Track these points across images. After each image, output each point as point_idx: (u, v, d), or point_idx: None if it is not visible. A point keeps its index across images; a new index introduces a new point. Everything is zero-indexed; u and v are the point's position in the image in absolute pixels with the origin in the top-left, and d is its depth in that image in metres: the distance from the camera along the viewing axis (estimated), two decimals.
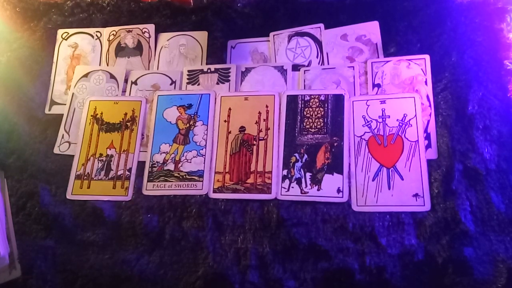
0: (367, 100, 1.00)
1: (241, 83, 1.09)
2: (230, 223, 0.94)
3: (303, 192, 0.95)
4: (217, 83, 1.09)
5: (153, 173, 1.01)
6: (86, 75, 1.14)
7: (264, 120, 1.02)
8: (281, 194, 0.95)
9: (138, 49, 1.16)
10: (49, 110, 1.12)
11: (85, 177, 1.02)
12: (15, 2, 1.20)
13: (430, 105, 0.98)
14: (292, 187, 0.95)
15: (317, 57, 1.10)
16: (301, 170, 0.96)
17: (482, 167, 0.91)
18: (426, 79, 1.01)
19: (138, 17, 1.18)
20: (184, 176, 1.00)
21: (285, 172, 0.97)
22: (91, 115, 1.08)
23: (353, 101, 1.01)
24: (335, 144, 0.97)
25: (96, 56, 1.17)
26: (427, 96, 0.99)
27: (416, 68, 1.02)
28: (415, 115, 0.97)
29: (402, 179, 0.93)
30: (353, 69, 1.05)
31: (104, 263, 0.94)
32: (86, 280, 0.93)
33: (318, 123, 1.00)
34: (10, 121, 1.08)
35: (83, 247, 0.95)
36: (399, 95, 1.00)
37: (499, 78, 0.98)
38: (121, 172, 1.02)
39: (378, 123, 0.98)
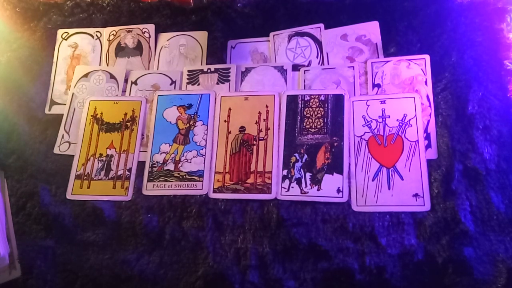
0: (367, 100, 1.00)
1: (241, 83, 1.09)
2: (230, 223, 0.94)
3: (303, 192, 0.95)
4: (217, 83, 1.09)
5: (153, 173, 1.01)
6: (86, 75, 1.14)
7: (264, 120, 1.02)
8: (281, 194, 0.95)
9: (138, 49, 1.16)
10: (49, 110, 1.12)
11: (85, 177, 1.02)
12: (15, 2, 1.20)
13: (430, 105, 0.98)
14: (292, 187, 0.95)
15: (317, 57, 1.10)
16: (301, 170, 0.96)
17: (482, 167, 0.91)
18: (426, 79, 1.01)
19: (138, 17, 1.18)
20: (184, 176, 1.00)
21: (285, 172, 0.97)
22: (91, 115, 1.08)
23: (353, 101, 1.01)
24: (335, 144, 0.97)
25: (96, 56, 1.17)
26: (427, 96, 0.99)
27: (416, 68, 1.02)
28: (415, 115, 0.97)
29: (402, 179, 0.93)
30: (353, 69, 1.05)
31: (104, 263, 0.94)
32: (86, 280, 0.94)
33: (318, 123, 1.00)
34: (10, 121, 1.08)
35: (83, 247, 0.95)
36: (399, 95, 1.00)
37: (499, 78, 0.98)
38: (121, 172, 1.02)
39: (378, 123, 0.98)
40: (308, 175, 0.96)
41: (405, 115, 0.97)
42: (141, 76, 1.13)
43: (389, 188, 0.93)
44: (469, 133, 0.94)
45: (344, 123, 0.99)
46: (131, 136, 1.05)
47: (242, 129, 1.02)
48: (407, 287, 0.87)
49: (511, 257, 0.85)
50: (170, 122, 1.06)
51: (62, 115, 1.10)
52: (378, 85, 1.03)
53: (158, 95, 1.08)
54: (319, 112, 1.01)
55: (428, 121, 0.97)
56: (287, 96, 1.03)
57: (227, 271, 0.90)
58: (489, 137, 0.93)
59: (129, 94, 1.11)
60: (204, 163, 1.00)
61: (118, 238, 0.96)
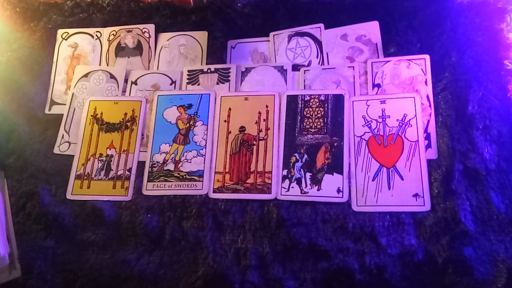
0: (367, 100, 1.00)
1: (241, 83, 1.09)
2: (230, 223, 0.94)
3: (303, 192, 0.95)
4: (217, 83, 1.09)
5: (153, 173, 1.01)
6: (86, 75, 1.14)
7: (264, 120, 1.02)
8: (281, 194, 0.95)
9: (138, 49, 1.16)
10: (49, 110, 1.12)
11: (85, 177, 1.02)
12: (15, 2, 1.20)
13: (430, 105, 0.98)
14: (292, 187, 0.95)
15: (317, 57, 1.10)
16: (301, 170, 0.96)
17: (482, 167, 0.91)
18: (426, 79, 1.01)
19: (138, 17, 1.18)
20: (184, 176, 1.00)
21: (285, 172, 0.97)
22: (91, 115, 1.08)
23: (353, 101, 1.01)
24: (335, 144, 0.97)
25: (96, 56, 1.17)
26: (427, 96, 0.99)
27: (416, 68, 1.02)
28: (415, 115, 0.97)
29: (402, 179, 0.93)
30: (353, 69, 1.05)
31: (104, 263, 0.94)
32: (86, 280, 0.94)
33: (318, 123, 1.00)
34: (10, 121, 1.08)
35: (83, 247, 0.95)
36: (399, 95, 1.00)
37: (499, 78, 0.98)
38: (121, 172, 1.02)
39: (378, 123, 0.98)
40: (308, 175, 0.96)
41: (405, 115, 0.97)
42: (141, 76, 1.13)
43: (389, 188, 0.93)
44: (469, 133, 0.94)
45: (344, 123, 0.99)
46: (131, 136, 1.05)
47: (242, 129, 1.02)
48: (407, 287, 0.87)
49: (511, 257, 0.85)
50: (170, 122, 1.06)
51: (62, 115, 1.10)
52: (378, 85, 1.03)
53: (158, 95, 1.08)
54: (319, 112, 1.01)
55: (428, 121, 0.97)
56: (287, 96, 1.03)
57: (227, 271, 0.90)
58: (489, 137, 0.93)
59: (129, 94, 1.11)
60: (204, 163, 1.00)
61: (118, 238, 0.96)
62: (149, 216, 0.96)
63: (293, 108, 1.02)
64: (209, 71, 1.11)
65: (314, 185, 0.95)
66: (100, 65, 1.16)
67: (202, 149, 1.02)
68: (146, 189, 1.00)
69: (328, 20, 1.11)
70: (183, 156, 1.02)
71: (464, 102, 0.96)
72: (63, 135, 1.08)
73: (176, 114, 1.06)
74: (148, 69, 1.15)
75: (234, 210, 0.95)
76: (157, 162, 1.02)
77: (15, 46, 1.16)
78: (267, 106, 1.03)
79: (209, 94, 1.06)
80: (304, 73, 1.08)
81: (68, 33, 1.19)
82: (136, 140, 1.05)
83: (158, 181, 1.00)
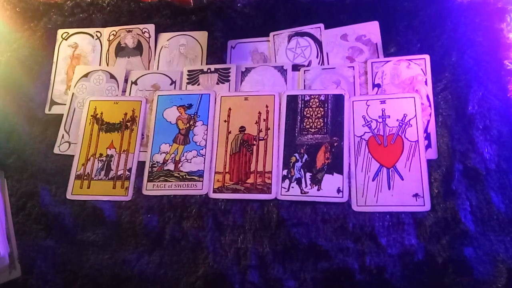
0: (367, 100, 1.00)
1: (241, 83, 1.09)
2: (230, 223, 0.94)
3: (303, 192, 0.95)
4: (217, 83, 1.09)
5: (153, 173, 1.01)
6: (86, 75, 1.14)
7: (264, 120, 1.02)
8: (281, 194, 0.95)
9: (138, 49, 1.16)
10: (49, 110, 1.12)
11: (85, 177, 1.02)
12: (15, 2, 1.20)
13: (430, 105, 0.98)
14: (292, 187, 0.95)
15: (317, 57, 1.10)
16: (301, 170, 0.96)
17: (482, 167, 0.91)
18: (426, 79, 1.01)
19: (138, 17, 1.18)
20: (184, 176, 1.00)
21: (285, 172, 0.97)
22: (91, 115, 1.08)
23: (353, 101, 1.01)
24: (335, 144, 0.97)
25: (96, 56, 1.17)
26: (427, 96, 0.99)
27: (416, 68, 1.02)
28: (415, 115, 0.97)
29: (402, 179, 0.93)
30: (353, 69, 1.05)
31: (104, 263, 0.94)
32: (86, 280, 0.94)
33: (318, 123, 1.00)
34: (10, 121, 1.08)
35: (83, 247, 0.95)
36: (399, 95, 1.00)
37: (499, 78, 0.98)
38: (121, 172, 1.02)
39: (378, 123, 0.98)
40: (308, 175, 0.96)
41: (405, 115, 0.97)
42: (141, 76, 1.13)
43: (389, 188, 0.93)
44: (469, 133, 0.94)
45: (344, 123, 0.99)
46: (131, 136, 1.05)
47: (242, 129, 1.02)
48: (407, 287, 0.87)
49: (511, 257, 0.85)
50: (170, 122, 1.06)
51: (62, 115, 1.10)
52: (378, 85, 1.03)
53: (158, 95, 1.08)
54: (319, 112, 1.01)
55: (428, 121, 0.97)
56: (287, 96, 1.03)
57: (227, 271, 0.90)
58: (489, 137, 0.93)
59: (129, 94, 1.11)
60: (204, 163, 1.00)
61: (118, 238, 0.96)
62: (149, 216, 0.96)
63: (293, 108, 1.02)
64: (209, 71, 1.11)
65: (314, 185, 0.95)
66: (100, 65, 1.16)
67: (202, 149, 1.02)
68: (146, 189, 1.00)
69: (328, 20, 1.11)
70: (183, 156, 1.02)
71: (464, 102, 0.96)
72: (63, 135, 1.08)
73: (176, 114, 1.06)
74: (148, 69, 1.15)
75: (234, 210, 0.95)
76: (157, 162, 1.02)
77: (15, 46, 1.16)
78: (267, 106, 1.03)
79: (209, 94, 1.06)
80: (304, 73, 1.08)
81: (68, 33, 1.19)
82: (136, 140, 1.05)
83: (158, 181, 1.00)
